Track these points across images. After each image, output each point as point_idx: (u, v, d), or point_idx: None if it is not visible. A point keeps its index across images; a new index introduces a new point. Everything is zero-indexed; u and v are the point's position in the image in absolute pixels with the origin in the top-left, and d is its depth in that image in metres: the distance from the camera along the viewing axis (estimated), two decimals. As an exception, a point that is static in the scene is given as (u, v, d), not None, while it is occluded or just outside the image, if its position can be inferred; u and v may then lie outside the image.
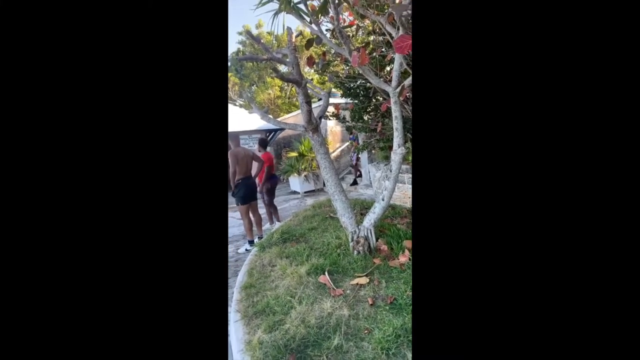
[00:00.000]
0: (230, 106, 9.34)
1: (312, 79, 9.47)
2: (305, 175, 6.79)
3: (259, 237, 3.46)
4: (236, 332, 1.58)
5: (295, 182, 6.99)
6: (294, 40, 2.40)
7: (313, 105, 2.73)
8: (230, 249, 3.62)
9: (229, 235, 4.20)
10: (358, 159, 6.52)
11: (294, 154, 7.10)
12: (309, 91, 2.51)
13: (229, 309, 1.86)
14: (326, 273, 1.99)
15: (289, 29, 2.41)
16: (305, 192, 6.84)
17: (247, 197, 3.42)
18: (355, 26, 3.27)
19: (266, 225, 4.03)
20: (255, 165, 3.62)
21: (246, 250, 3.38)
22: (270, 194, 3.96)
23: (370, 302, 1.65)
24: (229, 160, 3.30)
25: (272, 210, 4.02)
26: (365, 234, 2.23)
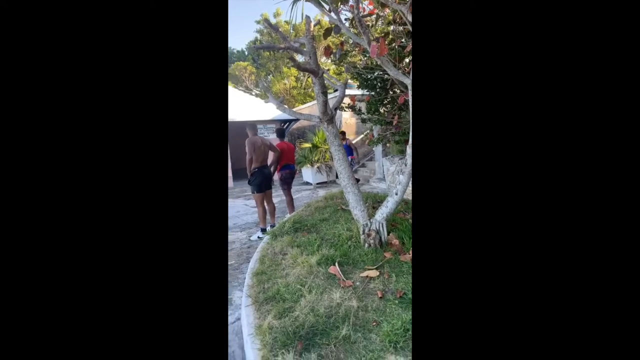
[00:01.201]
0: (246, 95, 9.40)
1: (328, 70, 9.36)
2: (318, 167, 6.80)
3: (271, 226, 3.52)
4: (247, 317, 1.63)
5: (308, 173, 7.01)
6: (312, 29, 2.37)
7: (329, 96, 2.70)
8: (243, 235, 3.70)
9: (243, 222, 4.28)
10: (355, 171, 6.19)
11: (308, 145, 7.11)
12: (325, 82, 2.48)
13: (241, 294, 1.91)
14: (336, 264, 2.01)
15: (307, 17, 2.38)
16: (317, 184, 6.86)
17: (263, 186, 3.47)
18: (375, 15, 3.19)
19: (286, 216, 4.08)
20: (271, 155, 3.65)
21: (258, 237, 3.45)
22: (287, 183, 3.98)
23: (380, 295, 1.65)
24: (247, 148, 3.34)
25: (288, 200, 4.05)
26: (377, 227, 2.23)
